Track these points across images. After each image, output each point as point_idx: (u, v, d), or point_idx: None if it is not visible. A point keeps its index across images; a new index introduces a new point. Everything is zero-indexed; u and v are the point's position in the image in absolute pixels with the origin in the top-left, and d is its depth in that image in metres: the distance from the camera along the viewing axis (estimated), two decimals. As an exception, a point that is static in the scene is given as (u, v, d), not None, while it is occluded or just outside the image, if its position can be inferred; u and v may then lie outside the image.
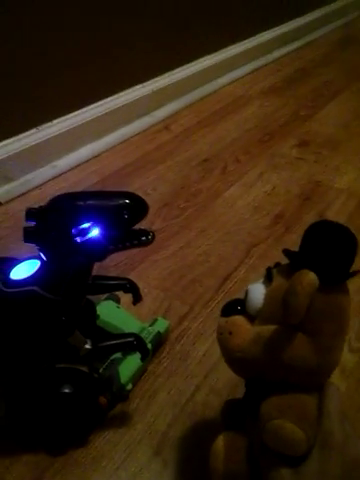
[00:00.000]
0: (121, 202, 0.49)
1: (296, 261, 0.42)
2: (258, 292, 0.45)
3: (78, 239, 0.47)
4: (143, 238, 0.50)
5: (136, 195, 0.50)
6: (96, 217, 0.48)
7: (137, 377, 0.64)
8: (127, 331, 0.65)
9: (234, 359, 0.46)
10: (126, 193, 0.50)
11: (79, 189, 1.00)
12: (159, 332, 0.68)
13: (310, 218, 0.96)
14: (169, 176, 1.09)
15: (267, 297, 0.44)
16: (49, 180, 1.05)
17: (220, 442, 0.49)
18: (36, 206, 0.49)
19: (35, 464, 0.56)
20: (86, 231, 0.48)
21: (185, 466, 0.56)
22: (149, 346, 0.65)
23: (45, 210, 0.49)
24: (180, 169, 1.12)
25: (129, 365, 0.63)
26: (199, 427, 0.60)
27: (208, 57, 1.51)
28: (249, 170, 1.13)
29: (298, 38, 1.97)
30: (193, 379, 0.66)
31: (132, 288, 0.62)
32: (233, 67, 1.61)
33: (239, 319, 0.45)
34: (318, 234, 0.41)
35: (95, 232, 0.48)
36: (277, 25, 1.86)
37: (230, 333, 0.45)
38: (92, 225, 0.48)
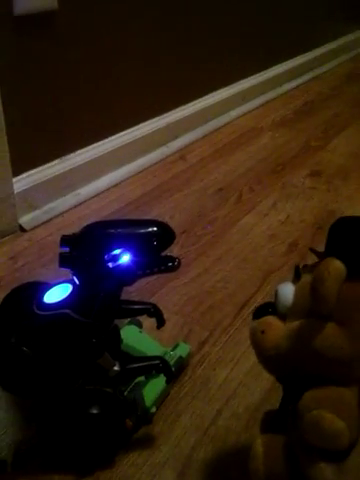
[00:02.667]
0: (150, 230, 0.51)
1: (323, 257, 0.42)
2: (287, 290, 0.46)
3: (110, 264, 0.50)
4: (170, 264, 0.53)
5: (164, 223, 0.53)
6: (127, 244, 0.50)
7: (160, 400, 0.66)
8: (150, 355, 0.66)
9: (268, 357, 0.45)
10: (154, 221, 0.53)
11: (100, 217, 1.03)
12: (181, 356, 0.70)
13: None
14: (186, 204, 1.12)
15: (296, 293, 0.45)
16: (71, 208, 1.08)
17: (259, 443, 0.48)
18: (70, 233, 0.52)
19: (63, 484, 0.57)
20: (117, 257, 0.50)
21: (209, 489, 0.57)
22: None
23: (79, 237, 0.51)
24: (196, 198, 1.15)
25: (153, 388, 0.64)
26: (222, 451, 0.61)
27: (221, 90, 1.56)
28: (263, 199, 1.16)
29: (306, 72, 2.03)
30: (215, 403, 0.67)
31: (156, 312, 0.64)
32: (245, 100, 1.66)
33: (270, 318, 0.46)
34: (343, 228, 0.42)
35: (126, 258, 0.50)
36: (286, 59, 1.91)
37: (262, 332, 0.45)
38: (123, 251, 0.50)
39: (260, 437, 0.49)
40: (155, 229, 0.51)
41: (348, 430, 0.40)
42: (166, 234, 0.52)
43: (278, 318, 0.46)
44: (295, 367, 0.44)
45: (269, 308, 0.47)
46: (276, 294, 0.46)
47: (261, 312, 0.47)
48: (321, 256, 0.44)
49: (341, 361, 0.42)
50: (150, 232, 0.51)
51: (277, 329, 0.45)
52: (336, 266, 0.40)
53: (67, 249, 0.51)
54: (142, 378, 0.64)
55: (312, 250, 0.45)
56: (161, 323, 0.64)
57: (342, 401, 0.42)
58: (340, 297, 0.40)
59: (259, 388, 0.68)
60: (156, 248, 0.51)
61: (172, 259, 0.53)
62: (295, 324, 0.44)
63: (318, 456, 0.41)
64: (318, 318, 0.42)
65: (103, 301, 0.52)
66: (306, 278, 0.44)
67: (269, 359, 0.46)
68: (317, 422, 0.41)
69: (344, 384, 0.43)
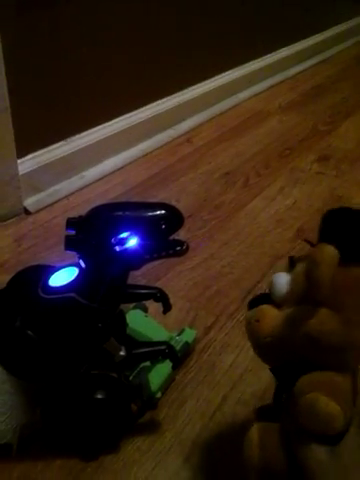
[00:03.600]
0: (158, 213, 0.50)
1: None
2: (282, 279, 0.46)
3: (117, 248, 0.49)
4: (178, 248, 0.52)
5: (173, 206, 0.51)
6: (134, 227, 0.49)
7: (166, 386, 0.65)
8: (155, 340, 0.66)
9: (263, 345, 0.46)
10: (163, 204, 0.51)
11: (105, 200, 1.02)
12: (187, 342, 0.69)
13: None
14: (192, 188, 1.11)
15: (291, 281, 0.45)
16: (76, 191, 1.06)
17: (254, 430, 0.48)
18: (76, 216, 0.51)
19: (68, 469, 0.56)
20: (124, 240, 0.49)
21: (214, 475, 0.57)
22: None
23: (85, 219, 0.50)
24: (203, 181, 1.14)
25: (158, 373, 0.64)
26: (227, 437, 0.61)
27: (228, 72, 1.54)
28: (270, 184, 1.15)
29: (314, 55, 2.00)
30: (220, 389, 0.67)
31: (162, 297, 0.63)
32: (252, 83, 1.63)
33: (265, 307, 0.46)
34: (334, 217, 0.43)
35: (133, 242, 0.49)
36: (293, 42, 1.88)
37: (257, 321, 0.46)
38: (130, 235, 0.49)
39: (256, 424, 0.49)
40: (163, 212, 0.50)
41: (343, 413, 0.41)
42: (175, 217, 0.51)
43: (273, 306, 0.46)
44: (290, 354, 0.45)
45: (264, 298, 0.47)
46: (271, 283, 0.47)
47: (256, 302, 0.48)
48: (313, 244, 0.44)
49: (334, 346, 0.42)
50: (158, 215, 0.50)
51: (272, 317, 0.45)
52: (329, 251, 0.40)
53: (73, 232, 0.50)
54: (147, 363, 0.64)
55: (306, 241, 0.45)
56: (167, 308, 0.63)
57: (337, 386, 0.42)
58: (333, 283, 0.40)
59: (265, 374, 0.67)
60: (164, 232, 0.50)
61: (180, 243, 0.52)
62: (290, 311, 0.44)
63: (312, 440, 0.42)
64: (312, 304, 0.42)
65: (109, 285, 0.51)
66: (300, 266, 0.45)
67: (264, 347, 0.46)
68: (312, 405, 0.41)
69: (338, 371, 0.43)
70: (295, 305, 0.44)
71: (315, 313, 0.42)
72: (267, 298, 0.47)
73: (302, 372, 0.44)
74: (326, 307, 0.42)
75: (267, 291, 0.48)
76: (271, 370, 0.50)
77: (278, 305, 0.46)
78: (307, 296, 0.42)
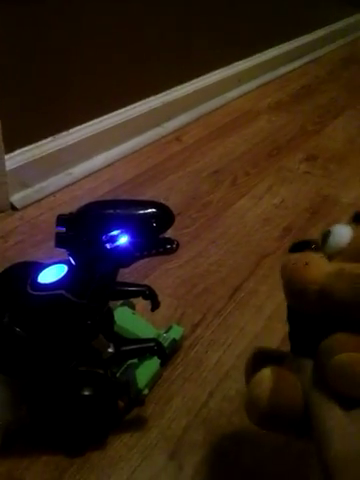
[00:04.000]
0: (149, 211, 0.50)
1: None
2: (345, 231, 0.43)
3: (108, 245, 0.49)
4: (168, 246, 0.52)
5: (163, 205, 0.52)
6: (125, 225, 0.49)
7: (153, 382, 0.66)
8: (143, 337, 0.66)
9: (303, 290, 0.41)
10: (154, 202, 0.52)
11: (93, 197, 1.02)
12: (174, 339, 0.69)
13: (318, 232, 0.98)
14: (180, 186, 1.11)
15: (356, 237, 0.42)
16: (64, 187, 1.06)
17: (267, 372, 0.43)
18: (67, 213, 0.51)
19: (54, 465, 0.57)
20: (115, 238, 0.49)
21: (200, 470, 0.58)
22: (165, 352, 0.66)
23: (76, 217, 0.50)
24: (191, 180, 1.14)
25: (146, 370, 0.64)
26: (213, 433, 0.62)
27: (217, 71, 1.54)
28: (258, 183, 1.15)
29: (303, 55, 2.01)
30: (206, 386, 0.67)
31: (151, 295, 0.63)
32: (241, 82, 1.64)
33: (315, 254, 0.42)
34: None
35: (124, 239, 0.49)
36: (283, 42, 1.89)
37: (306, 264, 0.41)
38: (121, 232, 0.49)
39: (270, 367, 0.44)
40: (154, 210, 0.50)
41: None
42: (165, 216, 0.51)
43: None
44: (332, 308, 0.41)
45: (311, 245, 0.43)
46: (328, 233, 0.43)
47: (301, 247, 0.44)
48: None
49: None
50: (149, 213, 0.50)
51: (324, 265, 0.41)
52: None
53: (63, 229, 0.50)
54: (135, 360, 0.64)
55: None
56: (156, 305, 0.64)
57: None
58: None
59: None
60: (155, 230, 0.50)
61: (170, 241, 0.52)
62: (352, 266, 0.40)
63: (333, 399, 0.39)
64: None
65: (99, 282, 0.51)
66: None
67: (304, 292, 0.41)
68: (345, 365, 0.38)
69: None
70: (352, 261, 0.40)
71: None
72: (314, 245, 0.43)
73: (331, 325, 0.41)
74: None
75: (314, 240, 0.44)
76: (291, 318, 0.46)
77: (329, 256, 0.42)
78: None
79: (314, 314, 0.43)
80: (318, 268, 0.41)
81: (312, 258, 0.42)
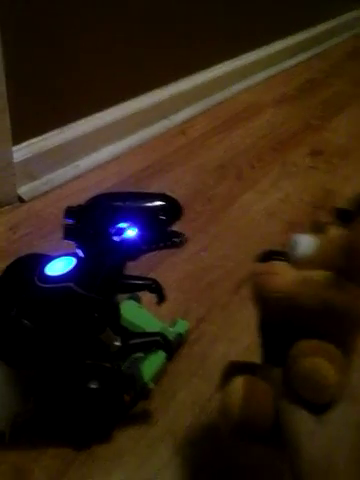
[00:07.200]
0: (157, 204, 0.50)
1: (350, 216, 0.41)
2: (308, 240, 0.43)
3: (116, 238, 0.49)
4: (176, 239, 0.52)
5: (172, 197, 0.52)
6: (133, 217, 0.49)
7: (158, 376, 0.65)
8: (149, 331, 0.66)
9: (270, 299, 0.42)
10: (162, 195, 0.51)
11: (100, 189, 1.01)
12: (180, 333, 0.69)
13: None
14: (186, 180, 1.11)
15: (320, 246, 0.42)
16: (71, 180, 1.05)
17: (239, 382, 0.44)
18: (75, 205, 0.51)
19: (60, 457, 0.57)
20: (123, 231, 0.49)
21: (206, 464, 0.58)
22: (171, 346, 0.66)
23: (84, 209, 0.50)
24: (196, 173, 1.14)
25: (151, 364, 0.64)
26: (218, 427, 0.62)
27: (223, 64, 1.53)
28: (263, 177, 1.15)
29: (308, 49, 1.99)
30: (211, 380, 0.67)
31: (157, 288, 0.63)
32: (246, 75, 1.63)
33: (281, 263, 0.43)
34: None
35: (131, 232, 0.49)
36: (288, 36, 1.88)
37: (272, 273, 0.42)
38: (129, 225, 0.49)
39: (240, 376, 0.45)
40: (163, 203, 0.50)
41: (338, 384, 0.40)
42: (174, 208, 0.51)
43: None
44: (295, 316, 0.42)
45: (278, 255, 0.44)
46: (293, 243, 0.43)
47: (268, 257, 0.45)
48: (346, 214, 0.42)
49: (351, 321, 0.40)
50: (158, 206, 0.50)
51: (289, 274, 0.42)
52: None
53: (72, 221, 0.50)
54: (141, 354, 0.64)
55: (338, 209, 0.43)
56: (162, 299, 0.63)
57: (338, 356, 0.41)
58: None
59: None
60: (163, 223, 0.50)
61: (178, 235, 0.52)
62: (314, 274, 0.41)
63: (301, 404, 0.40)
64: (343, 276, 0.40)
65: (107, 275, 0.51)
66: (335, 232, 0.42)
67: (269, 301, 0.43)
68: (312, 370, 0.40)
69: (337, 345, 0.41)
70: (317, 269, 0.41)
71: (342, 285, 0.40)
72: (281, 255, 0.44)
73: (298, 333, 0.42)
74: (356, 283, 0.40)
75: (281, 250, 0.45)
76: (262, 328, 0.47)
77: (296, 265, 0.43)
78: (340, 267, 0.39)
79: (282, 322, 0.43)
80: (283, 277, 0.42)
81: (278, 267, 0.43)
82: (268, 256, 0.45)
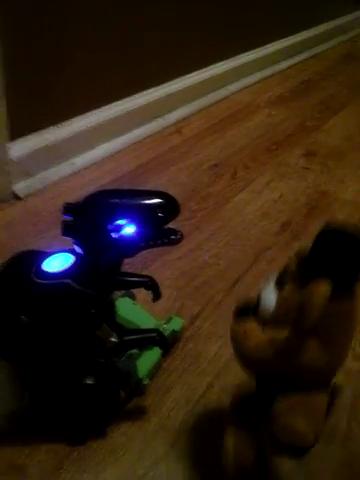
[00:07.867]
0: (155, 201, 0.51)
1: (307, 267, 0.43)
2: (270, 298, 0.46)
3: (113, 235, 0.49)
4: (172, 237, 0.52)
5: (169, 195, 0.52)
6: (131, 214, 0.49)
7: (153, 373, 0.66)
8: (144, 327, 0.66)
9: (247, 359, 0.47)
10: (160, 192, 0.52)
11: (95, 187, 1.01)
12: (174, 330, 0.70)
13: (316, 227, 0.99)
14: (181, 179, 1.11)
15: (279, 303, 0.46)
16: (66, 177, 1.06)
17: (230, 440, 0.51)
18: (73, 201, 0.51)
19: (55, 452, 0.57)
20: (121, 227, 0.49)
21: (200, 460, 0.58)
22: (166, 343, 0.66)
23: (82, 205, 0.50)
24: (191, 172, 1.14)
25: (146, 360, 0.64)
26: (212, 423, 0.62)
27: (218, 64, 1.54)
28: (257, 177, 1.16)
29: (304, 50, 2.01)
30: (205, 377, 0.68)
31: (153, 285, 0.63)
32: (242, 75, 1.64)
33: (252, 324, 0.47)
34: (327, 241, 0.42)
35: (129, 229, 0.50)
36: (284, 37, 1.89)
37: (244, 335, 0.47)
38: (127, 222, 0.49)
39: (233, 432, 0.52)
40: (160, 200, 0.50)
41: (315, 434, 0.45)
42: (171, 206, 0.51)
43: (259, 321, 0.47)
44: (272, 371, 0.47)
45: (250, 309, 0.48)
46: (259, 300, 0.47)
47: (243, 312, 0.49)
48: (304, 264, 0.44)
49: (318, 370, 0.45)
50: (155, 203, 0.50)
51: (258, 336, 0.46)
52: (324, 292, 0.40)
53: (70, 217, 0.50)
54: (135, 350, 0.64)
55: (298, 256, 0.45)
56: (157, 296, 0.63)
57: (312, 407, 0.45)
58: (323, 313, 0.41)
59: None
60: (161, 220, 0.50)
61: (175, 232, 0.52)
62: (277, 334, 0.45)
63: (284, 452, 0.45)
64: (298, 331, 0.44)
65: (104, 272, 0.52)
66: (289, 288, 0.45)
67: (247, 360, 0.48)
68: (289, 427, 0.45)
69: (319, 387, 0.46)
70: (281, 325, 0.45)
71: (301, 341, 0.43)
72: (254, 309, 0.48)
73: (282, 383, 0.46)
74: (311, 335, 0.43)
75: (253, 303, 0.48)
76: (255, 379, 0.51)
77: (263, 320, 0.47)
78: (294, 324, 0.43)
79: (262, 377, 0.49)
80: (254, 339, 0.46)
81: (249, 327, 0.47)
82: (244, 311, 0.48)
